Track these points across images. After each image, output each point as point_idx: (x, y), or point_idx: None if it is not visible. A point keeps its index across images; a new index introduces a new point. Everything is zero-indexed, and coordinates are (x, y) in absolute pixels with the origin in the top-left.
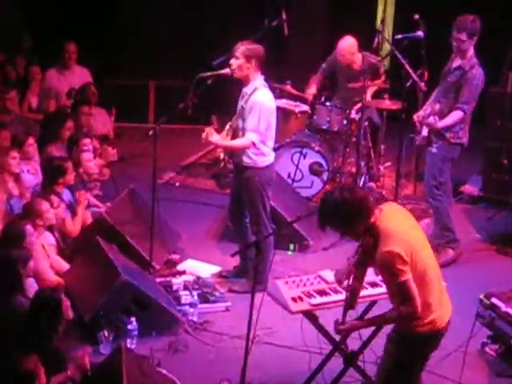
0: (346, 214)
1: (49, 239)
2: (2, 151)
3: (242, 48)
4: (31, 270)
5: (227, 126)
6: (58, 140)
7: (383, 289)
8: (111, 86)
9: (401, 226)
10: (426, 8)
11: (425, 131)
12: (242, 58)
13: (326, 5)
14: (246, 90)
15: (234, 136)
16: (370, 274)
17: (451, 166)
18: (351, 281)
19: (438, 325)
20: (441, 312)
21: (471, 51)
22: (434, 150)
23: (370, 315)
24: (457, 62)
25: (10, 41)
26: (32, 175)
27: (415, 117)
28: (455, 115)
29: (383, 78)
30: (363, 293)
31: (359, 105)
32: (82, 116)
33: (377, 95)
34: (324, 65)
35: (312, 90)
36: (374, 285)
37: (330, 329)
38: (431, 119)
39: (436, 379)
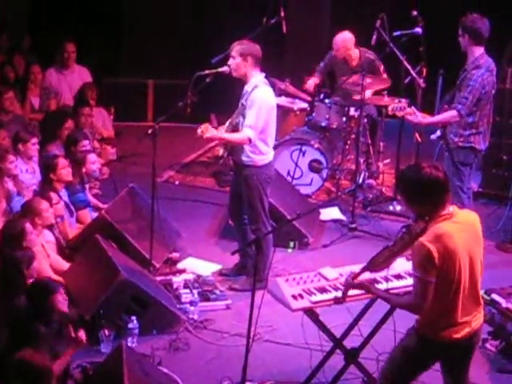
0: (427, 190)
1: (48, 237)
2: (2, 153)
3: (237, 47)
4: (35, 271)
5: (227, 123)
6: (58, 139)
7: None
8: (110, 85)
9: (453, 233)
10: (424, 4)
11: (438, 131)
12: (237, 56)
13: (326, 3)
14: (247, 87)
15: (233, 133)
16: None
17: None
18: (382, 250)
19: (452, 336)
20: (458, 326)
21: (477, 51)
22: (447, 153)
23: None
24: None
25: (9, 41)
26: (30, 174)
27: (389, 108)
28: (447, 114)
29: (385, 75)
30: (388, 285)
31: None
32: (82, 117)
33: (375, 92)
34: (321, 63)
35: (310, 82)
36: (398, 277)
37: (331, 326)
38: (411, 113)
39: (436, 375)
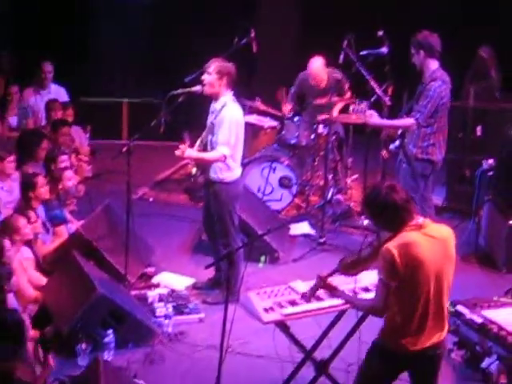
0: (387, 211)
1: (26, 254)
2: None
3: (215, 65)
4: (14, 286)
5: (198, 142)
6: (34, 159)
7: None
8: (87, 104)
9: (420, 243)
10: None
11: (397, 141)
12: (214, 74)
13: (295, 23)
14: (216, 105)
15: (204, 151)
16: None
17: (425, 182)
18: (353, 256)
19: (410, 348)
20: (418, 337)
21: (433, 65)
22: (404, 164)
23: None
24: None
25: None
26: (6, 192)
27: (350, 109)
28: (404, 120)
29: (349, 93)
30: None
31: (324, 116)
32: (61, 136)
33: (343, 110)
34: (292, 89)
35: (285, 108)
36: (366, 290)
37: (301, 338)
38: (366, 112)
39: None
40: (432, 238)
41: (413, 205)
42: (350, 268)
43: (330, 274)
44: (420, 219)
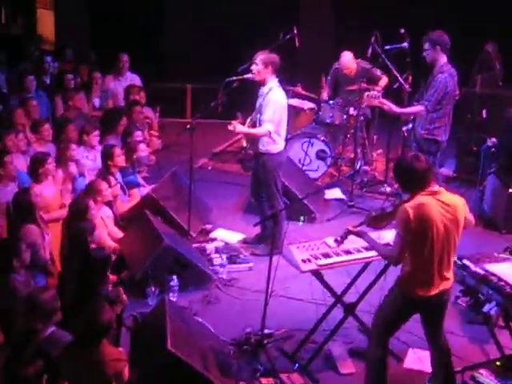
0: (409, 175)
1: (107, 212)
2: (67, 143)
3: (260, 56)
4: (96, 238)
5: (248, 119)
6: (114, 133)
7: None
8: (157, 88)
9: (431, 205)
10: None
11: (410, 124)
12: (260, 64)
13: (331, 22)
14: (263, 89)
15: (253, 128)
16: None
17: (433, 160)
18: (377, 212)
19: (420, 294)
20: (426, 286)
21: (443, 59)
22: (414, 144)
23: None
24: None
25: (77, 55)
26: (91, 161)
27: (365, 95)
28: (415, 107)
29: (384, 78)
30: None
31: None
32: (134, 114)
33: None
34: (329, 77)
35: (324, 94)
36: (387, 245)
37: (333, 285)
38: (385, 103)
39: (418, 325)
40: (443, 204)
41: (432, 173)
42: (375, 221)
43: (358, 225)
44: (436, 187)
